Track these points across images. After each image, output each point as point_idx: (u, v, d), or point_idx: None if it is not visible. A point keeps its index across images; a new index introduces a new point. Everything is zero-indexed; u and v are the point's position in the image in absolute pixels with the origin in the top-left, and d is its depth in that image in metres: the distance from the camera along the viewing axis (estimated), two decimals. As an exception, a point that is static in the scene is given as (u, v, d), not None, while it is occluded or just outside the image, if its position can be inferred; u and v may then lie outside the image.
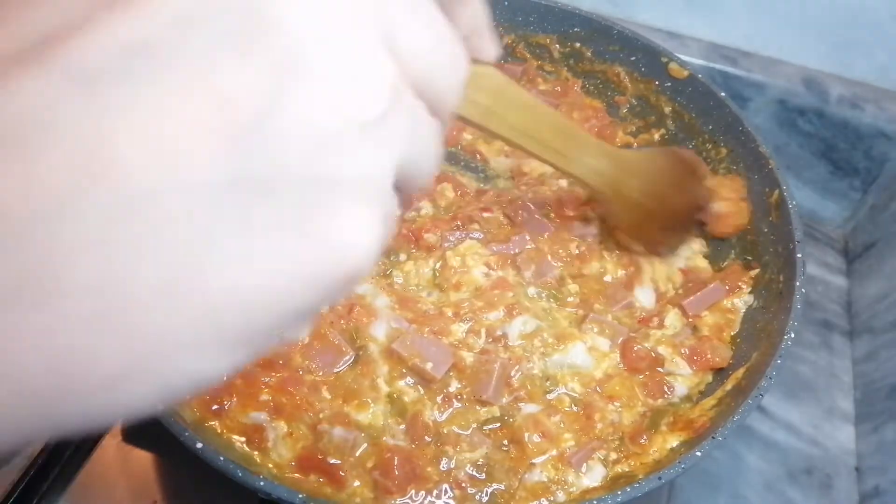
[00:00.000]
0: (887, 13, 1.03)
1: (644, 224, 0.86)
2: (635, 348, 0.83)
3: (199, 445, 0.63)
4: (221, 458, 0.62)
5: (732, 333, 0.86)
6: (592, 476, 0.74)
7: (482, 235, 0.92)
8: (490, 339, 0.82)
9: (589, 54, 1.12)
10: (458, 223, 0.92)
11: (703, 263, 0.96)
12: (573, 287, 0.88)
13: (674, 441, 0.75)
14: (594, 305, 0.87)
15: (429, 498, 0.70)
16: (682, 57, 1.05)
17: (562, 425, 0.76)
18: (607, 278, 0.90)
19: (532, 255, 0.90)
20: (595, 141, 0.79)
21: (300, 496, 0.61)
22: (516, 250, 0.91)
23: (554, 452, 0.74)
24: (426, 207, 0.95)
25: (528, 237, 0.91)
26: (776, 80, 1.11)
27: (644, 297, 0.90)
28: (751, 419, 0.95)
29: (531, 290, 0.88)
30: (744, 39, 1.14)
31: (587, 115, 1.09)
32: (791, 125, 1.14)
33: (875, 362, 1.00)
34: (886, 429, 0.92)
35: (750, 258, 0.92)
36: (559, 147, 0.73)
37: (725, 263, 0.94)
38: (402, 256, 0.89)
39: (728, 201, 0.97)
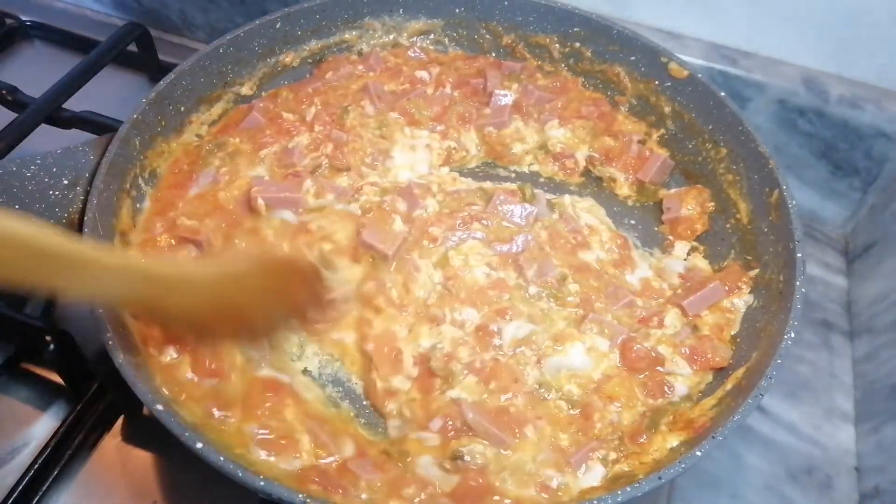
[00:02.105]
0: (887, 13, 1.03)
1: (213, 327, 0.71)
2: (635, 348, 0.83)
3: (200, 445, 0.63)
4: (222, 458, 0.62)
5: (732, 333, 0.86)
6: (592, 476, 0.75)
7: (484, 235, 0.92)
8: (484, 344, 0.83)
9: (589, 54, 1.12)
10: (461, 221, 0.93)
11: (702, 263, 0.96)
12: (573, 286, 0.88)
13: (674, 441, 0.75)
14: (595, 304, 0.87)
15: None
16: (683, 57, 1.05)
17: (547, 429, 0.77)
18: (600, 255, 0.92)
19: (535, 254, 0.90)
20: (103, 259, 0.59)
21: (300, 496, 0.61)
22: (519, 249, 0.91)
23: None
24: (432, 205, 0.95)
25: (530, 237, 0.92)
26: (776, 80, 1.11)
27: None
28: (751, 419, 0.95)
29: (532, 289, 0.88)
30: (744, 39, 1.14)
31: (587, 104, 1.10)
32: (791, 125, 1.14)
33: (875, 362, 1.00)
34: (886, 429, 0.92)
35: (749, 258, 0.92)
36: (44, 277, 0.54)
37: (725, 263, 0.94)
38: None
39: (691, 210, 0.98)
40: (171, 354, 0.76)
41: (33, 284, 0.56)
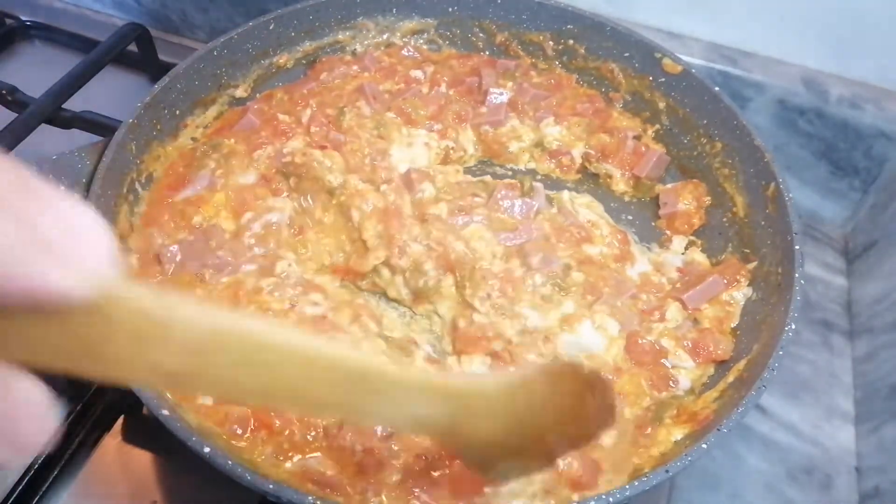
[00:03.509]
0: (887, 13, 1.03)
1: (498, 456, 0.61)
2: (640, 341, 0.83)
3: (207, 450, 0.63)
4: (230, 463, 0.62)
5: (732, 325, 0.87)
6: None
7: (487, 223, 0.92)
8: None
9: (582, 51, 1.12)
10: (461, 207, 0.93)
11: (700, 257, 0.96)
12: (578, 276, 0.89)
13: (678, 433, 0.76)
14: (604, 289, 0.88)
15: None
16: (683, 57, 1.05)
17: None
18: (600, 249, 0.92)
19: (541, 244, 0.90)
20: (416, 378, 0.52)
21: (310, 498, 0.61)
22: (524, 239, 0.91)
23: None
24: (429, 189, 0.95)
25: (533, 227, 0.92)
26: (776, 80, 1.11)
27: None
28: (751, 419, 0.95)
29: (537, 278, 0.88)
30: (744, 39, 1.14)
31: (582, 101, 1.10)
32: (791, 125, 1.14)
33: (875, 362, 1.00)
34: (886, 429, 0.92)
35: (747, 251, 0.92)
36: (339, 402, 0.47)
37: (723, 256, 0.95)
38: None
39: (688, 204, 0.99)
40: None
41: (344, 412, 0.52)
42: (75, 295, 0.31)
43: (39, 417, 0.33)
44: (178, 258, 0.86)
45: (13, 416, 0.32)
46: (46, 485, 0.83)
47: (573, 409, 0.59)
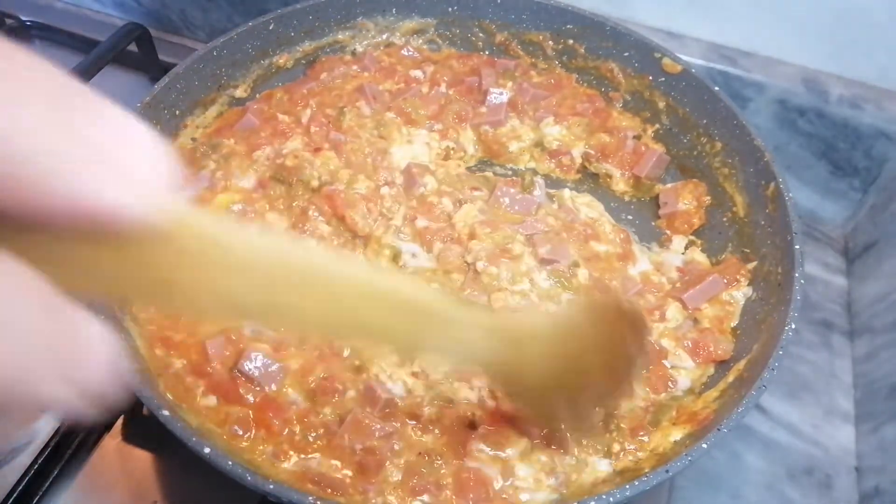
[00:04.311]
0: (887, 13, 1.03)
1: (554, 400, 0.63)
2: None
3: (207, 450, 0.63)
4: (230, 463, 0.62)
5: (733, 325, 0.87)
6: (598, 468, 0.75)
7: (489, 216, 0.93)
8: None
9: (582, 51, 1.12)
10: (461, 198, 0.95)
11: (700, 257, 0.96)
12: (583, 273, 0.89)
13: (677, 434, 0.76)
14: (612, 283, 0.88)
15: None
16: (683, 57, 1.05)
17: None
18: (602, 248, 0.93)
19: (551, 237, 0.91)
20: (466, 313, 0.53)
21: (310, 499, 0.61)
22: (532, 231, 0.92)
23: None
24: (431, 182, 0.96)
25: (538, 221, 0.93)
26: (776, 80, 1.11)
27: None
28: (751, 419, 0.95)
29: (543, 275, 0.88)
30: (744, 39, 1.14)
31: (582, 100, 1.10)
32: (791, 125, 1.14)
33: (875, 362, 1.00)
34: (886, 429, 0.92)
35: (747, 251, 0.92)
36: (402, 332, 0.48)
37: (723, 256, 0.95)
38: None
39: (688, 204, 0.99)
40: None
41: (406, 344, 0.54)
42: (134, 214, 0.28)
43: (109, 364, 0.30)
44: None
45: (82, 361, 0.29)
46: (46, 485, 0.83)
47: (614, 344, 0.59)
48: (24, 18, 1.39)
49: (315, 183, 0.94)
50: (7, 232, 0.27)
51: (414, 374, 0.78)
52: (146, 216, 0.28)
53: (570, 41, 1.12)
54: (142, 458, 0.87)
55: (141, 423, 0.90)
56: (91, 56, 1.16)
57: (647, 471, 0.66)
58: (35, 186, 0.25)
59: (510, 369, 0.57)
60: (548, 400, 0.61)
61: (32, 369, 0.27)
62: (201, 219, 0.33)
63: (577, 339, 0.59)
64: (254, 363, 0.76)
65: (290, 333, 0.71)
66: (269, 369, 0.76)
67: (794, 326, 0.75)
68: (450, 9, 1.15)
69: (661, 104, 1.06)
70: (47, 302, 0.27)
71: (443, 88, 1.11)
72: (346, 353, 0.79)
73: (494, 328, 0.55)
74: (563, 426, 0.66)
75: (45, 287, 0.27)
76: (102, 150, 0.27)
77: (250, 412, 0.74)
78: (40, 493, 0.83)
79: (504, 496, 0.71)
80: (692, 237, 0.99)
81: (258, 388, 0.76)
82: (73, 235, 0.28)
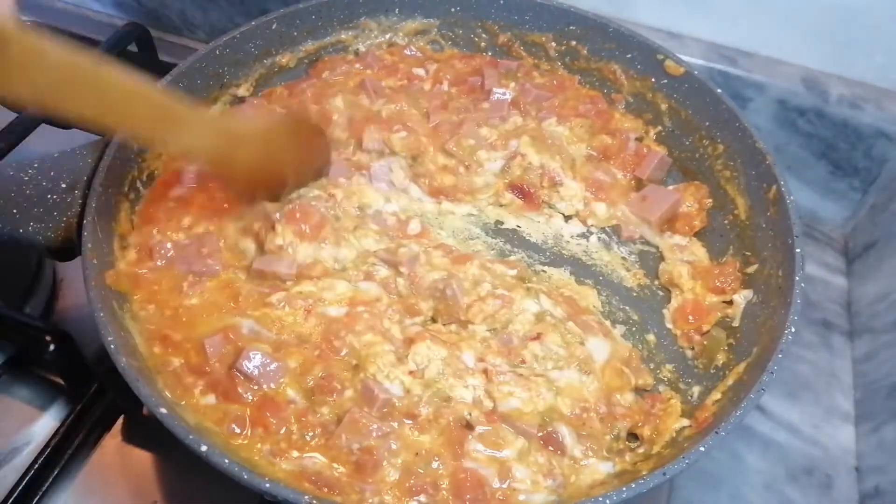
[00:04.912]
0: (887, 13, 1.03)
1: (260, 182, 0.86)
2: None
3: (205, 448, 0.63)
4: (227, 461, 0.62)
5: (734, 325, 0.87)
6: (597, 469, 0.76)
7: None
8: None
9: (585, 52, 1.12)
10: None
11: (700, 252, 0.96)
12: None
13: (678, 425, 0.77)
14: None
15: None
16: (683, 57, 1.05)
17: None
18: None
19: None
20: (196, 116, 0.78)
21: (306, 497, 0.61)
22: None
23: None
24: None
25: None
26: (776, 80, 1.11)
27: None
28: (751, 419, 0.95)
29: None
30: (744, 39, 1.14)
31: (584, 102, 1.10)
32: (791, 125, 1.14)
33: (875, 362, 1.00)
34: (886, 429, 0.92)
35: (748, 253, 0.92)
36: (158, 129, 0.71)
37: (724, 259, 0.95)
38: None
39: (689, 206, 0.99)
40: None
41: (146, 135, 0.73)
42: None
43: None
44: (170, 255, 0.86)
45: None
46: (46, 485, 0.83)
47: (305, 148, 0.92)
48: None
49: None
50: None
51: (411, 373, 0.78)
52: None
53: (573, 42, 1.12)
54: (142, 458, 0.87)
55: (141, 423, 0.90)
56: (91, 56, 1.16)
57: (644, 473, 0.66)
58: None
59: (225, 160, 0.79)
60: (251, 182, 0.84)
61: None
62: (26, 31, 0.53)
63: (279, 143, 0.86)
64: (252, 362, 0.76)
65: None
66: (268, 368, 0.76)
67: (793, 330, 0.75)
68: (453, 9, 1.15)
69: (664, 106, 1.06)
70: None
71: (445, 87, 1.11)
72: (343, 352, 0.79)
73: (221, 130, 0.80)
74: (258, 196, 0.87)
75: None
76: None
77: (248, 410, 0.74)
78: (40, 493, 0.83)
79: (501, 497, 0.71)
80: (693, 238, 0.99)
81: (256, 387, 0.76)
82: None
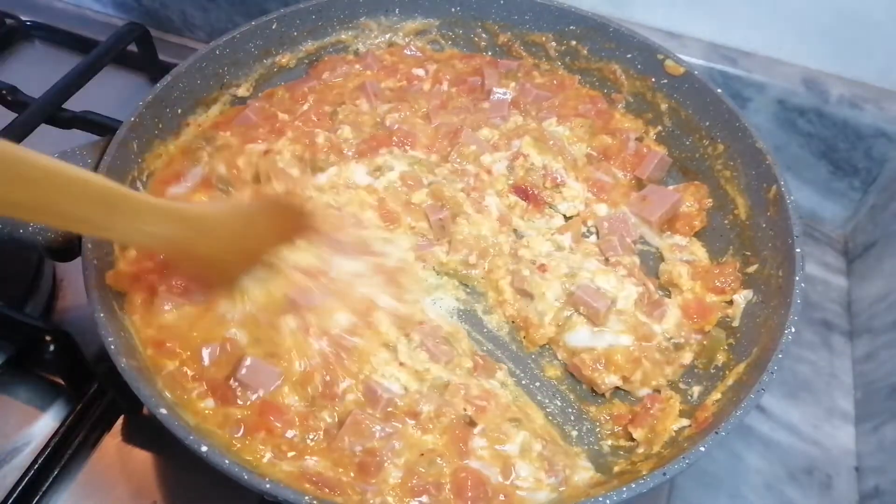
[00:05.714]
0: (887, 13, 1.03)
1: (223, 269, 0.78)
2: None
3: (205, 449, 0.63)
4: (227, 461, 0.62)
5: (734, 325, 0.87)
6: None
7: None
8: None
9: (585, 52, 1.12)
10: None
11: (700, 252, 0.96)
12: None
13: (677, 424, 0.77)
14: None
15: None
16: (683, 57, 1.05)
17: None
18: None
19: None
20: (153, 204, 0.68)
21: (306, 498, 0.61)
22: None
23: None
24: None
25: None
26: (776, 80, 1.11)
27: None
28: (751, 419, 0.95)
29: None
30: (744, 39, 1.14)
31: (584, 102, 1.10)
32: (791, 125, 1.14)
33: (875, 362, 1.00)
34: (886, 429, 0.92)
35: (748, 253, 0.92)
36: (98, 219, 0.62)
37: (724, 259, 0.95)
38: None
39: (690, 206, 0.99)
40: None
41: (89, 228, 0.65)
42: None
43: None
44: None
45: None
46: (47, 485, 0.83)
47: (282, 227, 0.82)
48: (24, 18, 1.39)
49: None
50: None
51: (401, 364, 0.79)
52: None
53: (573, 42, 1.12)
54: (142, 458, 0.87)
55: (141, 423, 0.90)
56: (91, 56, 1.16)
57: (644, 473, 0.66)
58: None
59: (187, 247, 0.71)
60: (218, 264, 0.76)
61: None
62: None
63: (249, 225, 0.79)
64: (250, 369, 0.76)
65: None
66: (267, 374, 0.76)
67: (793, 330, 0.75)
68: (453, 9, 1.15)
69: (664, 106, 1.06)
70: None
71: (444, 87, 1.11)
72: (343, 356, 0.79)
73: (169, 212, 0.69)
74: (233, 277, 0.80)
75: None
76: None
77: (249, 414, 0.74)
78: (40, 493, 0.83)
79: (503, 496, 0.71)
80: (693, 238, 0.99)
81: (255, 395, 0.75)
82: None
